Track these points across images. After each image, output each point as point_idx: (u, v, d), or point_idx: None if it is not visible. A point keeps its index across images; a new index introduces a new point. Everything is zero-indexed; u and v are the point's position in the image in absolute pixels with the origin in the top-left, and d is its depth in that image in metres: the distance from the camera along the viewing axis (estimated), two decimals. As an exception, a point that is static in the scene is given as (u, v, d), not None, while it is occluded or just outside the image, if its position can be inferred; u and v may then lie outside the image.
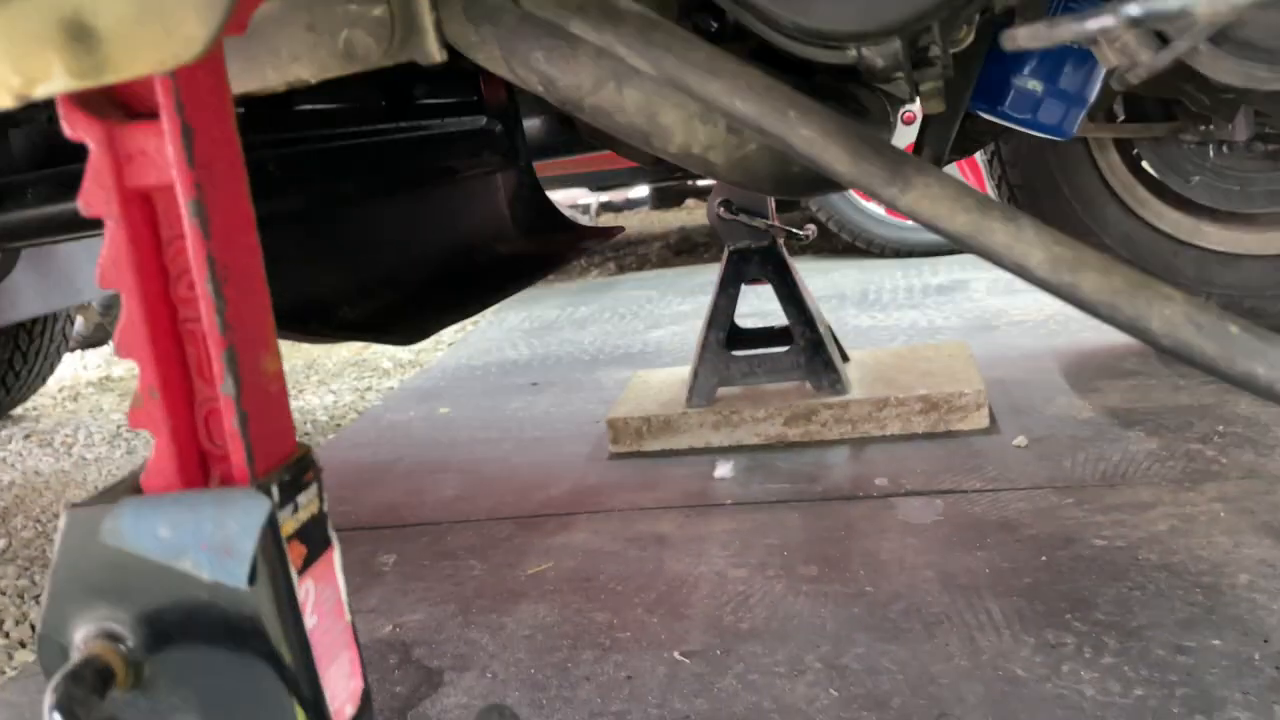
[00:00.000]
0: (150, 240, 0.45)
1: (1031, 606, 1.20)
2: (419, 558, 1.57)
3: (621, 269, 4.07)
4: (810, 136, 0.43)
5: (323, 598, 0.50)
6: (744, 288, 1.92)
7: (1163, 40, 0.45)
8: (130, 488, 0.48)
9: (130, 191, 0.44)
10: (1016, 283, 2.87)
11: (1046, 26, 0.37)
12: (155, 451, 0.47)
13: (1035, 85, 0.86)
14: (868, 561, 1.36)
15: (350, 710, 0.50)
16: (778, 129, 0.44)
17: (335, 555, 0.52)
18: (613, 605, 1.32)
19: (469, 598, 1.40)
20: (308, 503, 0.49)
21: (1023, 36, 0.38)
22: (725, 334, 1.93)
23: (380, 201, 0.95)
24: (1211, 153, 1.89)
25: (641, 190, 6.00)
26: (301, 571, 0.48)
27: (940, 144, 0.85)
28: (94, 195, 0.43)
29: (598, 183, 4.12)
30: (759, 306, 2.37)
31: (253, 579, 0.44)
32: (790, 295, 1.90)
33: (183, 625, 0.46)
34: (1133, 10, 0.34)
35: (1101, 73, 0.88)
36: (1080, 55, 0.85)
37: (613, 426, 1.93)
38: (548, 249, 1.21)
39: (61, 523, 0.48)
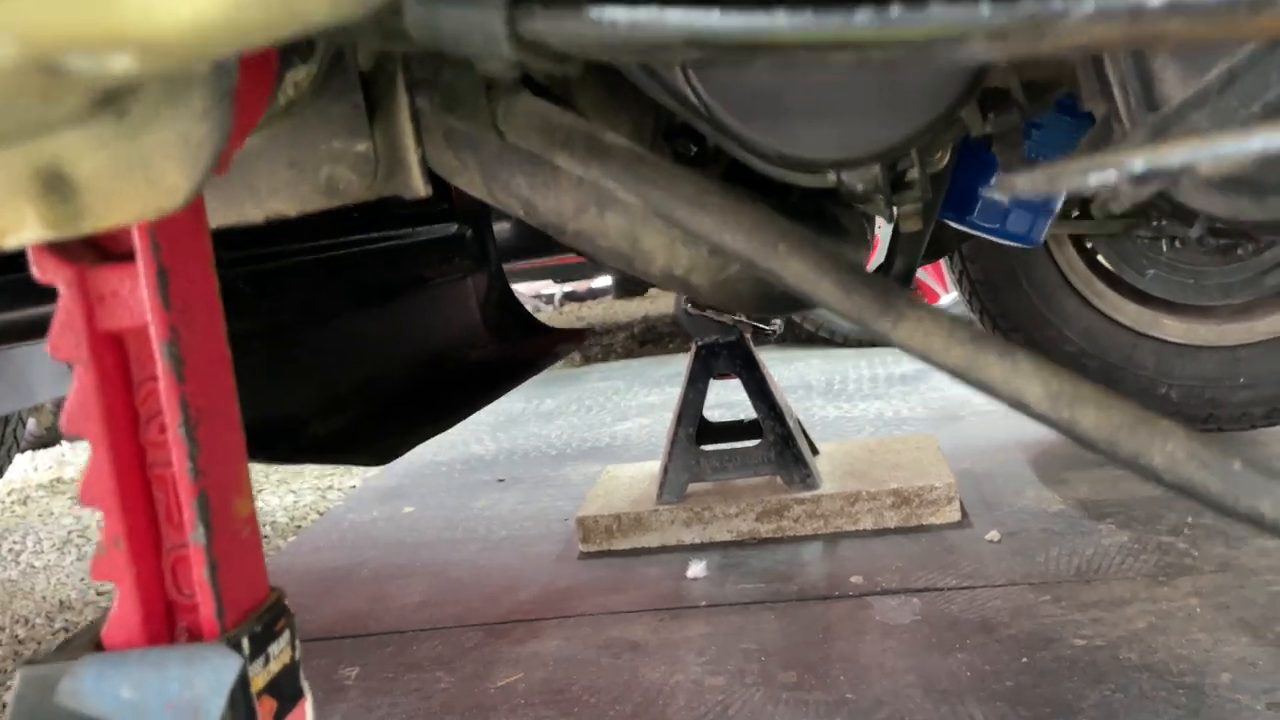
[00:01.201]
0: (120, 383, 0.43)
1: (1015, 712, 1.17)
2: (383, 670, 1.51)
3: (587, 360, 4.07)
4: (801, 271, 0.43)
5: (297, 756, 0.47)
6: (712, 381, 1.92)
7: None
8: (90, 642, 0.45)
9: (101, 334, 0.42)
10: (979, 372, 2.91)
11: (1046, 177, 0.37)
12: (119, 604, 0.44)
13: (1002, 196, 0.88)
14: (847, 666, 1.33)
15: None
16: (769, 263, 0.43)
17: (307, 707, 0.49)
18: (587, 718, 1.28)
19: (437, 713, 1.35)
20: (279, 652, 0.46)
21: (1021, 184, 0.38)
22: (695, 429, 1.92)
23: (351, 313, 0.93)
24: (1165, 247, 1.94)
25: (605, 280, 6.06)
26: (274, 729, 0.45)
27: (912, 255, 0.86)
28: (63, 340, 0.41)
29: (562, 276, 4.14)
30: (725, 397, 2.37)
31: (223, 740, 0.42)
32: (759, 390, 1.90)
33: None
34: (1137, 168, 0.34)
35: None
36: (1046, 167, 0.87)
37: (582, 525, 1.89)
38: (520, 354, 1.20)
39: (15, 683, 0.44)
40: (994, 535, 1.71)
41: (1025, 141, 0.84)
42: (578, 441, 2.75)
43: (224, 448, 0.44)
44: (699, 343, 1.92)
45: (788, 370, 3.21)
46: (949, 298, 3.30)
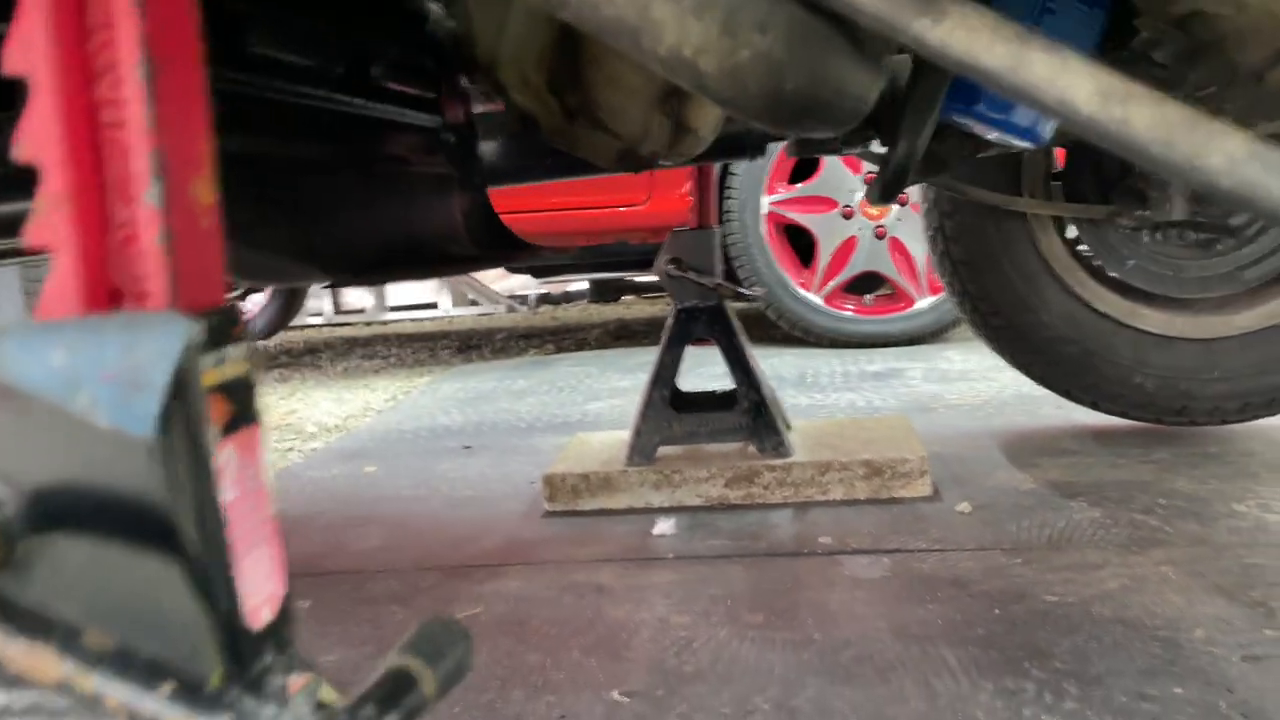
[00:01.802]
0: (74, 22, 0.39)
1: (987, 655, 1.14)
2: (337, 604, 1.45)
3: (560, 349, 4.03)
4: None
5: (244, 475, 0.42)
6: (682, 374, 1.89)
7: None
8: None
9: (55, -40, 0.38)
10: (952, 371, 2.90)
11: None
12: (54, 276, 0.40)
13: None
14: (816, 611, 1.29)
15: (267, 615, 0.42)
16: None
17: (260, 435, 0.45)
18: (546, 647, 1.23)
19: (390, 640, 1.29)
20: (236, 359, 0.42)
21: None
22: (669, 392, 1.88)
23: (331, 170, 0.89)
24: (1146, 238, 1.94)
25: (580, 284, 6.03)
26: (224, 434, 0.41)
27: (920, 122, 0.83)
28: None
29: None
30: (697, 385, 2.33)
31: (164, 426, 0.37)
32: (736, 356, 1.87)
33: (67, 491, 0.39)
34: None
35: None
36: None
37: (549, 483, 1.85)
38: (501, 259, 1.17)
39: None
40: (965, 507, 1.69)
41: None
42: (548, 417, 2.70)
43: (185, 112, 0.40)
44: (679, 306, 1.89)
45: (763, 365, 3.18)
46: (925, 301, 3.30)
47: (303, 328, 6.29)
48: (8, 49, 0.39)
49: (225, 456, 0.40)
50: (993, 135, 0.93)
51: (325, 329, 6.28)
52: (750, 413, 1.85)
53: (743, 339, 1.87)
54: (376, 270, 0.88)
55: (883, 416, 2.09)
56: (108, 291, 0.41)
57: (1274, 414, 1.94)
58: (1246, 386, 1.91)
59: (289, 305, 5.23)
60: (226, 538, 0.40)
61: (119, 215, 0.41)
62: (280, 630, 0.43)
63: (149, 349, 0.37)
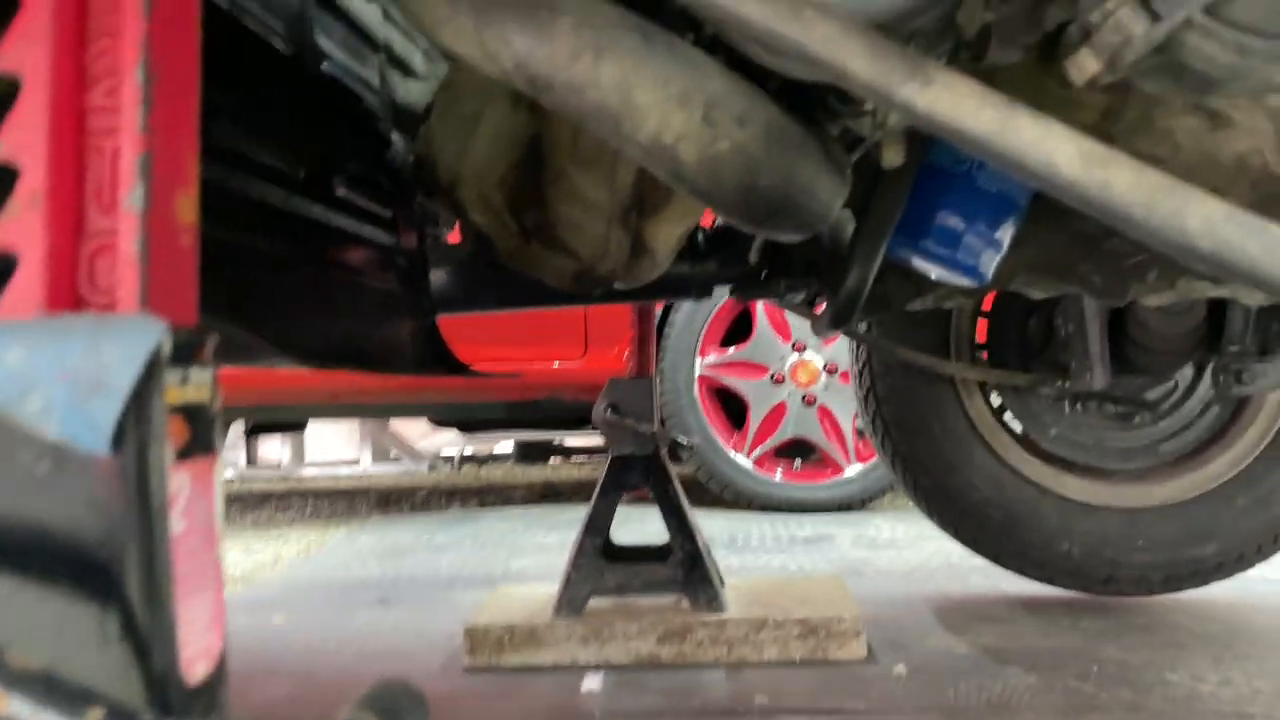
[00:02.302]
0: (76, 27, 0.39)
1: (935, 815, 1.09)
2: (232, 753, 1.33)
3: (484, 505, 3.93)
4: (829, 34, 0.42)
5: (196, 508, 0.39)
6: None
7: (1154, 16, 0.47)
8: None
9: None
10: (880, 538, 2.90)
11: None
12: (17, 277, 0.38)
13: (956, 222, 0.90)
14: (754, 768, 1.22)
15: (203, 669, 0.38)
16: (791, 31, 0.42)
17: (217, 469, 0.42)
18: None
19: (291, 792, 1.18)
20: (200, 383, 0.39)
21: None
22: (602, 541, 1.84)
23: (284, 267, 0.88)
24: (1067, 408, 2.00)
25: (506, 445, 5.96)
26: (179, 458, 0.38)
27: (885, 220, 0.85)
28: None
29: (462, 416, 4.05)
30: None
31: (119, 438, 0.34)
32: (671, 506, 1.85)
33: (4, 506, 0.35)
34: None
35: (1015, 223, 0.93)
36: (998, 198, 0.90)
37: (470, 635, 1.76)
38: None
39: None
40: (901, 669, 1.65)
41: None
42: (470, 571, 2.61)
43: (177, 129, 0.39)
44: (615, 453, 1.87)
45: (690, 529, 3.15)
46: (853, 469, 3.34)
47: (213, 480, 6.03)
48: (2, 49, 0.38)
49: (179, 483, 0.37)
50: (936, 272, 0.96)
51: (237, 484, 6.06)
52: (685, 565, 1.81)
53: (678, 489, 1.85)
54: (319, 362, 0.85)
55: (817, 576, 2.07)
56: (73, 301, 0.39)
57: (1198, 586, 1.97)
58: (1170, 558, 1.95)
59: (201, 455, 5.02)
60: (170, 575, 0.36)
61: (96, 224, 0.39)
62: (214, 689, 0.39)
63: (116, 350, 0.35)
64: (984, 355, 2.03)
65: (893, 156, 0.70)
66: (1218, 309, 1.71)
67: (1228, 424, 1.96)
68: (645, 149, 0.58)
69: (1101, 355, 1.78)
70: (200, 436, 0.39)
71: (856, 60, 0.41)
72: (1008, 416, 2.05)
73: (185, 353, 0.38)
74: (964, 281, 0.95)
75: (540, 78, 0.57)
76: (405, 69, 1.38)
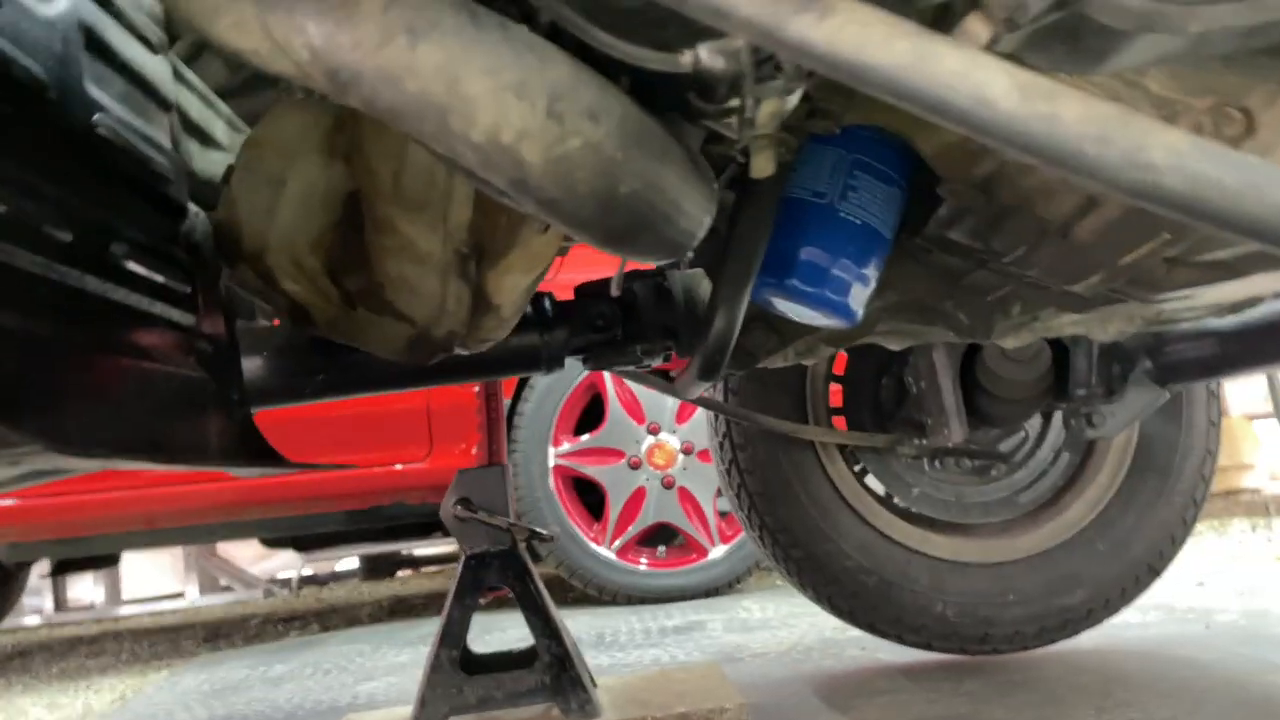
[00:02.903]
0: None
1: None
2: None
3: (327, 628, 3.62)
4: (698, -42, 0.33)
5: None
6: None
7: (1053, -35, 0.41)
8: None
9: None
10: (752, 620, 2.80)
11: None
12: None
13: (821, 257, 0.84)
14: None
15: None
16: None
17: None
18: None
19: None
20: None
21: None
22: (459, 652, 1.66)
23: (48, 345, 0.73)
24: (926, 466, 1.99)
25: (350, 561, 5.59)
26: None
27: (752, 245, 0.77)
28: None
29: (298, 532, 3.75)
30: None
31: None
32: (534, 605, 1.70)
33: None
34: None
35: (881, 257, 0.87)
36: (863, 230, 0.85)
37: (314, 775, 1.54)
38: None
39: None
40: (793, 758, 1.54)
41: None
42: (312, 703, 2.35)
43: None
44: (469, 552, 1.72)
45: (554, 631, 2.97)
46: (718, 551, 3.25)
47: (14, 630, 5.40)
48: None
49: None
50: (805, 313, 0.90)
51: (42, 630, 5.43)
52: (552, 669, 1.66)
53: (540, 585, 1.71)
54: (100, 453, 0.70)
55: (693, 665, 1.95)
56: None
57: (1071, 635, 1.96)
58: (1041, 609, 1.93)
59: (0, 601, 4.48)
60: None
61: None
62: None
63: None
64: (839, 419, 2.01)
65: (763, 164, 0.62)
66: (1061, 355, 1.74)
67: (1079, 469, 1.98)
68: (481, 150, 0.48)
69: (956, 409, 1.77)
70: None
71: (739, -9, 0.33)
72: (870, 479, 2.02)
73: None
74: (834, 321, 0.88)
75: (344, 68, 0.46)
76: (204, 138, 1.24)
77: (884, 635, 2.00)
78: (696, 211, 0.57)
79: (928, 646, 1.99)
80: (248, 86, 1.45)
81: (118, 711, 2.60)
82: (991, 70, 0.33)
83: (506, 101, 0.47)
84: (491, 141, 0.48)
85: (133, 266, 0.91)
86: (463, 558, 1.72)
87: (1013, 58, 0.44)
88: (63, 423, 0.74)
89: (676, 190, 0.54)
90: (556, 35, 0.52)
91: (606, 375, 3.20)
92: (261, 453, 1.12)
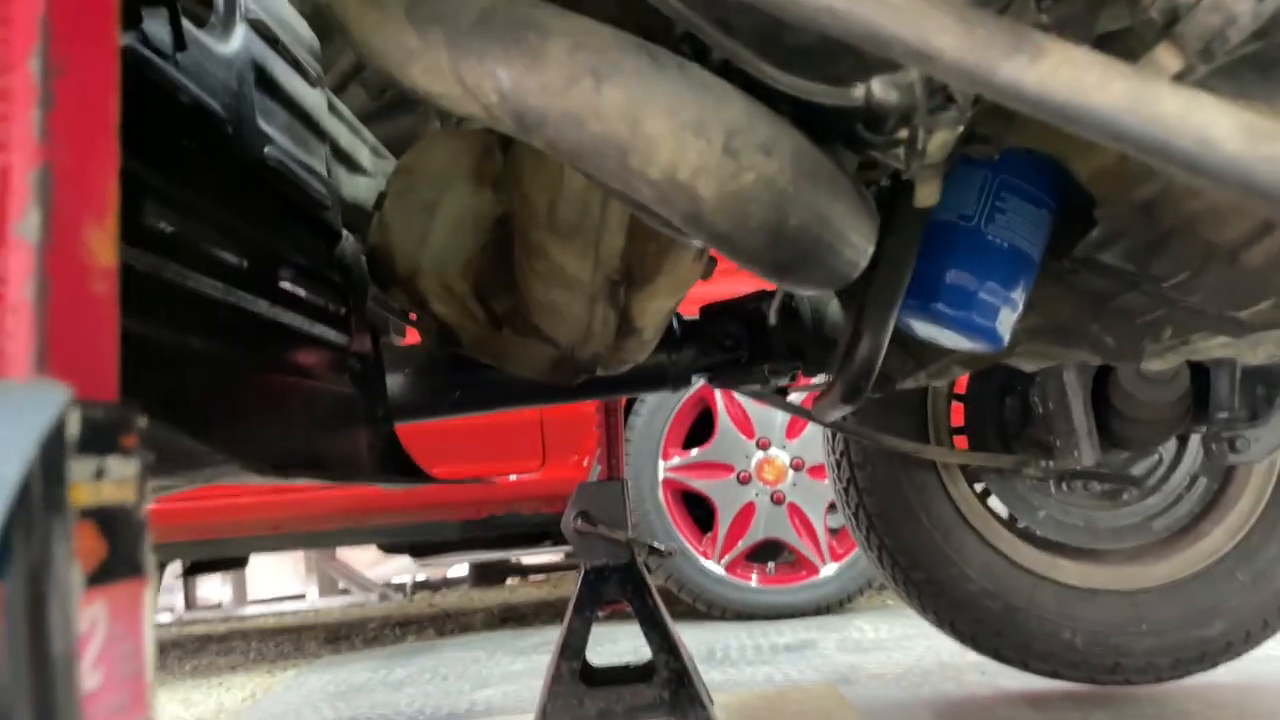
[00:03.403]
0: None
1: None
2: None
3: (441, 634, 3.71)
4: (902, 3, 0.34)
5: (116, 651, 0.28)
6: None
7: (1260, -13, 0.40)
8: None
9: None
10: (865, 640, 2.76)
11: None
12: None
13: (968, 280, 0.83)
14: None
15: None
16: (856, 7, 0.34)
17: (146, 597, 0.31)
18: None
19: None
20: (122, 478, 0.29)
21: None
22: (579, 664, 1.69)
23: (227, 368, 0.78)
24: (1053, 489, 1.93)
25: (461, 568, 5.71)
26: (92, 583, 0.27)
27: (903, 262, 0.76)
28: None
29: (414, 539, 3.86)
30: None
31: (2, 559, 0.24)
32: (652, 619, 1.71)
33: None
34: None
35: (1029, 280, 0.86)
36: (1011, 252, 0.84)
37: (441, 779, 1.59)
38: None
39: None
40: (917, 784, 1.51)
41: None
42: (432, 709, 2.41)
43: (88, 139, 0.30)
44: (588, 566, 1.75)
45: (663, 644, 2.98)
46: (829, 569, 3.22)
47: (148, 626, 5.66)
48: None
49: (91, 619, 0.26)
50: (950, 337, 0.89)
51: (174, 628, 5.71)
52: (671, 684, 1.67)
53: (658, 600, 1.73)
54: (274, 472, 0.74)
55: (809, 686, 1.94)
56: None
57: (1207, 669, 1.88)
58: (1176, 640, 1.86)
59: (135, 599, 4.71)
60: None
61: (-24, 260, 0.28)
62: None
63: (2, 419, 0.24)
64: (961, 439, 1.97)
65: (929, 193, 0.63)
66: (1200, 375, 1.67)
67: (1217, 496, 1.90)
68: (658, 187, 0.50)
69: (1088, 431, 1.71)
70: (122, 553, 0.28)
71: (944, 32, 0.34)
72: (993, 502, 1.97)
73: (101, 436, 0.27)
74: (980, 346, 0.87)
75: (531, 111, 0.48)
76: (351, 164, 1.30)
77: (1009, 662, 1.94)
78: (861, 242, 0.57)
79: (1055, 675, 1.93)
80: (388, 112, 1.51)
81: (249, 710, 2.71)
82: (1213, 111, 0.33)
83: (685, 139, 0.49)
84: (668, 178, 0.49)
85: (298, 290, 0.96)
86: (582, 570, 1.75)
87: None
88: (242, 439, 0.79)
89: (843, 221, 0.54)
90: (727, 72, 0.54)
91: (717, 389, 3.20)
92: (405, 467, 1.16)
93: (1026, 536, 1.94)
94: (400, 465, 1.17)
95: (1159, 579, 1.89)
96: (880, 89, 0.51)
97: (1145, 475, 1.92)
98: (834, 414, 0.93)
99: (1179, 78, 0.42)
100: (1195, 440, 1.88)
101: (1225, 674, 1.92)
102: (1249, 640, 1.87)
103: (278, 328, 0.90)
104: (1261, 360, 1.18)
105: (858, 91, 0.51)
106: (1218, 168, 0.33)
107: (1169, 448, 1.90)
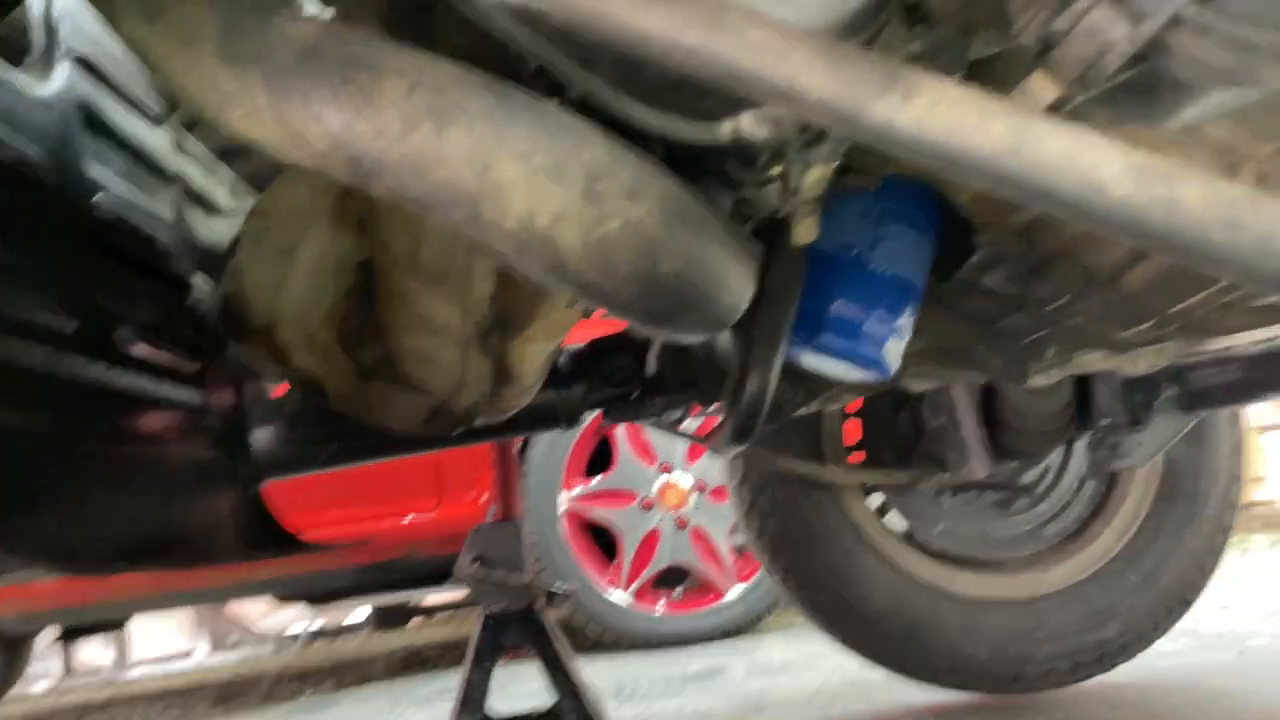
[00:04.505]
0: None
1: None
2: None
3: (341, 685, 3.56)
4: (764, 41, 0.30)
5: None
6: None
7: (1138, 16, 0.38)
8: None
9: None
10: (774, 663, 2.75)
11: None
12: None
13: (853, 312, 0.81)
14: None
15: None
16: (712, 44, 0.31)
17: None
18: None
19: None
20: None
21: None
22: (480, 717, 1.61)
23: (54, 446, 0.70)
24: (948, 502, 1.95)
25: (361, 612, 5.52)
26: None
27: (783, 309, 0.73)
28: None
29: (309, 589, 3.70)
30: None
31: None
32: (555, 663, 1.65)
33: None
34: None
35: (914, 308, 0.84)
36: (895, 281, 0.82)
37: None
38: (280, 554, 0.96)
39: None
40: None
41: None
42: (329, 769, 2.29)
43: None
44: (485, 612, 1.67)
45: (572, 680, 2.90)
46: (734, 591, 3.20)
47: (22, 698, 5.31)
48: None
49: None
50: (837, 369, 0.86)
51: (51, 697, 5.35)
52: (577, 731, 1.61)
53: (562, 643, 1.67)
54: (105, 569, 0.66)
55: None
56: None
57: (1106, 670, 1.91)
58: (1074, 645, 1.88)
59: (7, 669, 4.41)
60: None
61: None
62: None
63: None
64: (857, 455, 1.97)
65: (807, 230, 0.60)
66: (1083, 384, 1.70)
67: (1104, 499, 1.94)
68: (514, 237, 0.45)
69: (980, 443, 1.73)
70: None
71: (808, 71, 0.30)
72: (891, 518, 1.98)
73: None
74: (869, 376, 0.85)
75: (366, 158, 0.43)
76: (207, 205, 1.22)
77: (915, 678, 1.95)
78: (739, 284, 0.54)
79: (962, 687, 1.94)
80: (249, 148, 1.42)
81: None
82: (1101, 151, 0.30)
83: (541, 185, 0.44)
84: (526, 228, 0.45)
85: (139, 349, 0.88)
86: (480, 618, 1.67)
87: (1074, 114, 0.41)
88: (68, 534, 0.71)
89: (719, 265, 0.51)
90: (587, 109, 0.49)
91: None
92: (272, 533, 1.09)
93: (926, 551, 1.95)
94: (268, 530, 1.09)
95: (1055, 584, 1.92)
96: (749, 125, 0.47)
97: (1034, 483, 1.95)
98: (728, 451, 0.89)
99: (1055, 107, 0.40)
100: (1080, 445, 1.92)
101: (1124, 674, 1.96)
102: (1142, 640, 1.91)
103: (114, 394, 0.82)
104: (1142, 371, 1.20)
105: (726, 128, 0.48)
106: (1107, 213, 0.30)
107: (1055, 454, 1.94)
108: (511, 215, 0.44)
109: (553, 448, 3.12)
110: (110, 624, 4.30)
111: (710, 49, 0.32)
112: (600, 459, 3.23)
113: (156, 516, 0.83)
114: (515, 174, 0.44)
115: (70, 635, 4.53)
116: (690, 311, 0.50)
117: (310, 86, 0.42)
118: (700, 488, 3.23)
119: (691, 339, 0.58)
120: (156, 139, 1.01)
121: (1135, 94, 0.44)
